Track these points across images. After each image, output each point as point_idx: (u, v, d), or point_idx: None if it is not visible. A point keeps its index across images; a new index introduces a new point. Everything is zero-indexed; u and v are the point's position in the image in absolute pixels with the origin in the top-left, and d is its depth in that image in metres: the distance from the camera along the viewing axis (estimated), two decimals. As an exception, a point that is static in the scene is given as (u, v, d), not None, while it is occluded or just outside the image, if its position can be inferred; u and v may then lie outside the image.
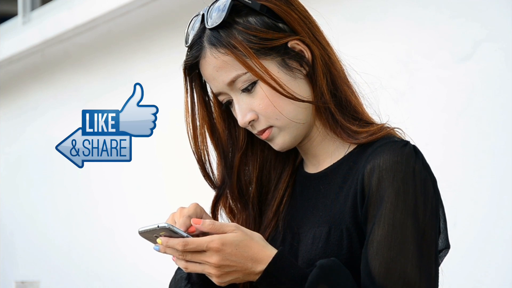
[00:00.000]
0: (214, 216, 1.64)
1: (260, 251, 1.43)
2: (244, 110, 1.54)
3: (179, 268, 1.60)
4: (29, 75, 5.05)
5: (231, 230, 1.43)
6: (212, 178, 1.63)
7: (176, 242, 1.42)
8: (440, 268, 1.49)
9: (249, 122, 1.54)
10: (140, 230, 1.43)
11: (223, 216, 1.65)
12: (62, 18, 4.52)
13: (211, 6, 1.54)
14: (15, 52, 4.90)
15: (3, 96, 5.34)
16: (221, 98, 1.57)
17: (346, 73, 1.58)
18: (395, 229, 1.43)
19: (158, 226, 1.41)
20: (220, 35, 1.51)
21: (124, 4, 4.08)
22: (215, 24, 1.52)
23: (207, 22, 1.53)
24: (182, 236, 1.42)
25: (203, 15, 1.55)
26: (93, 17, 4.29)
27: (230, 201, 1.63)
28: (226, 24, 1.51)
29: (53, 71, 4.85)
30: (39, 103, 4.99)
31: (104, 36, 4.44)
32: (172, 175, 4.06)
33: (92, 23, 4.36)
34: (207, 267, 1.43)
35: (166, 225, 1.41)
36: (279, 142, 1.56)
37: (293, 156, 1.64)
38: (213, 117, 1.61)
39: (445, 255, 1.52)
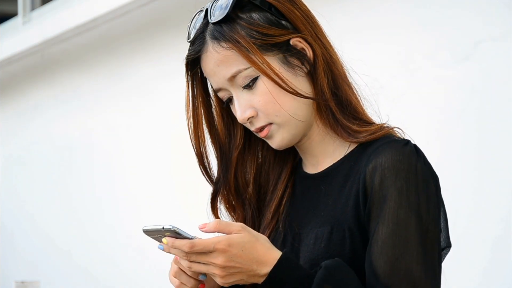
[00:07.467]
0: (213, 210, 1.64)
1: (266, 253, 1.43)
2: (244, 107, 1.54)
3: None
4: (29, 75, 5.05)
5: (237, 230, 1.43)
6: (210, 173, 1.64)
7: (182, 243, 1.41)
8: (440, 267, 1.49)
9: (248, 118, 1.54)
10: (144, 228, 1.42)
11: (222, 212, 1.65)
12: (62, 18, 4.52)
13: (215, 2, 1.54)
14: (15, 52, 4.90)
15: (3, 96, 5.34)
16: (221, 94, 1.57)
17: (346, 73, 1.58)
18: (399, 227, 1.43)
19: (163, 228, 1.40)
20: (223, 29, 1.52)
21: (124, 4, 4.08)
22: (218, 19, 1.52)
23: (210, 17, 1.53)
24: (187, 238, 1.42)
25: (206, 10, 1.55)
26: (93, 17, 4.29)
27: (229, 197, 1.64)
28: (229, 19, 1.52)
29: (53, 71, 4.85)
30: (39, 103, 4.99)
31: (104, 36, 4.44)
32: (173, 174, 4.06)
33: (92, 23, 4.36)
34: (212, 267, 1.42)
35: (171, 227, 1.40)
36: (278, 140, 1.55)
37: (291, 157, 1.64)
38: (212, 113, 1.61)
39: (446, 254, 1.52)
